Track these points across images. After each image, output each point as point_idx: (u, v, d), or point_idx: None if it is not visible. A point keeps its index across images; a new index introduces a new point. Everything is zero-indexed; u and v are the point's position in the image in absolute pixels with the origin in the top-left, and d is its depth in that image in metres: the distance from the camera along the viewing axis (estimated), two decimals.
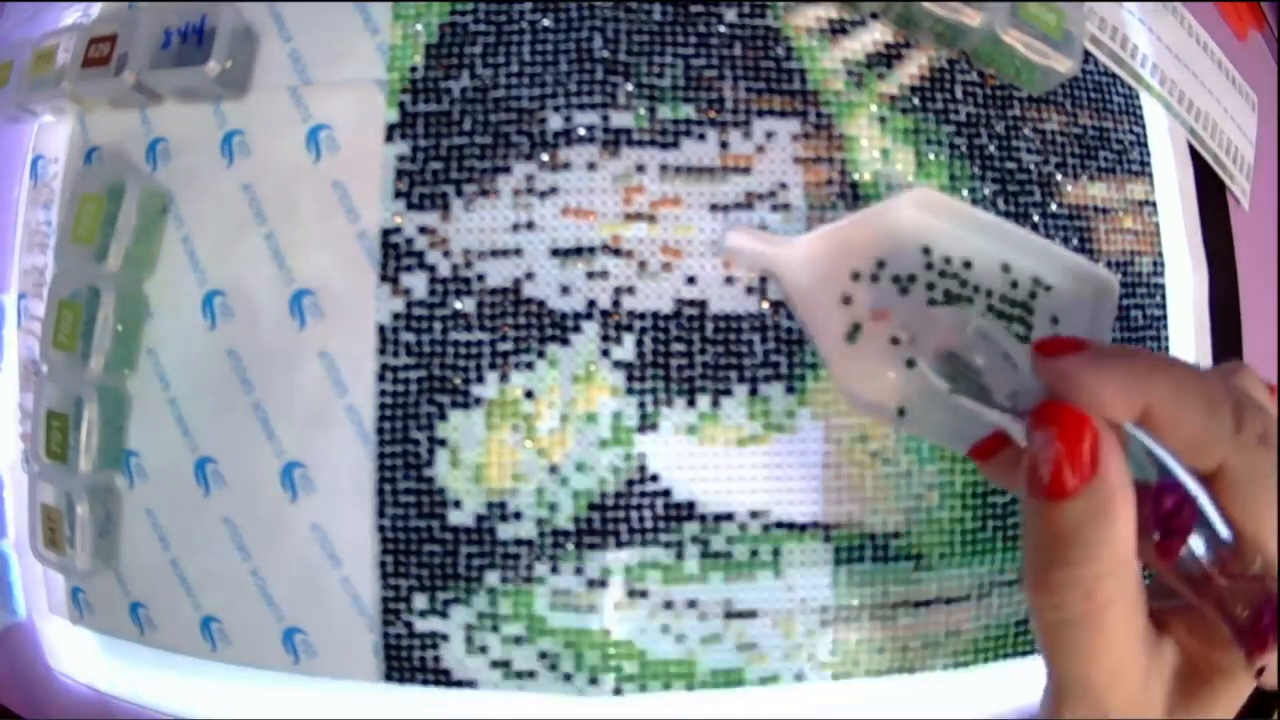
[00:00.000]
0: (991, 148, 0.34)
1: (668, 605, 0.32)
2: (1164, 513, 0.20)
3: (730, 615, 0.32)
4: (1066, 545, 0.20)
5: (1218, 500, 0.20)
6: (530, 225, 0.32)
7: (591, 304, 0.32)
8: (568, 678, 0.32)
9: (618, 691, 0.32)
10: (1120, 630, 0.20)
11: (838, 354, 0.31)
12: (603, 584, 0.31)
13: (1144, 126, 0.37)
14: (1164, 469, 0.20)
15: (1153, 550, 0.20)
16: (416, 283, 0.32)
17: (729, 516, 0.32)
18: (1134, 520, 0.20)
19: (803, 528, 0.32)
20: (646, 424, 0.31)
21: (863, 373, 0.31)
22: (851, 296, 0.31)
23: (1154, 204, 0.36)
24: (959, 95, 0.34)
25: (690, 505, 0.32)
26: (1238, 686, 0.22)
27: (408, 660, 0.32)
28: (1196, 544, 0.20)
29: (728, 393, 0.32)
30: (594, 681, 0.32)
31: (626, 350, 0.32)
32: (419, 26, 0.33)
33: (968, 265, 0.31)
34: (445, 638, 0.32)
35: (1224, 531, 0.20)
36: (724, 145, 0.32)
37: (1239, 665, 0.20)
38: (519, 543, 0.32)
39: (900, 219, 0.31)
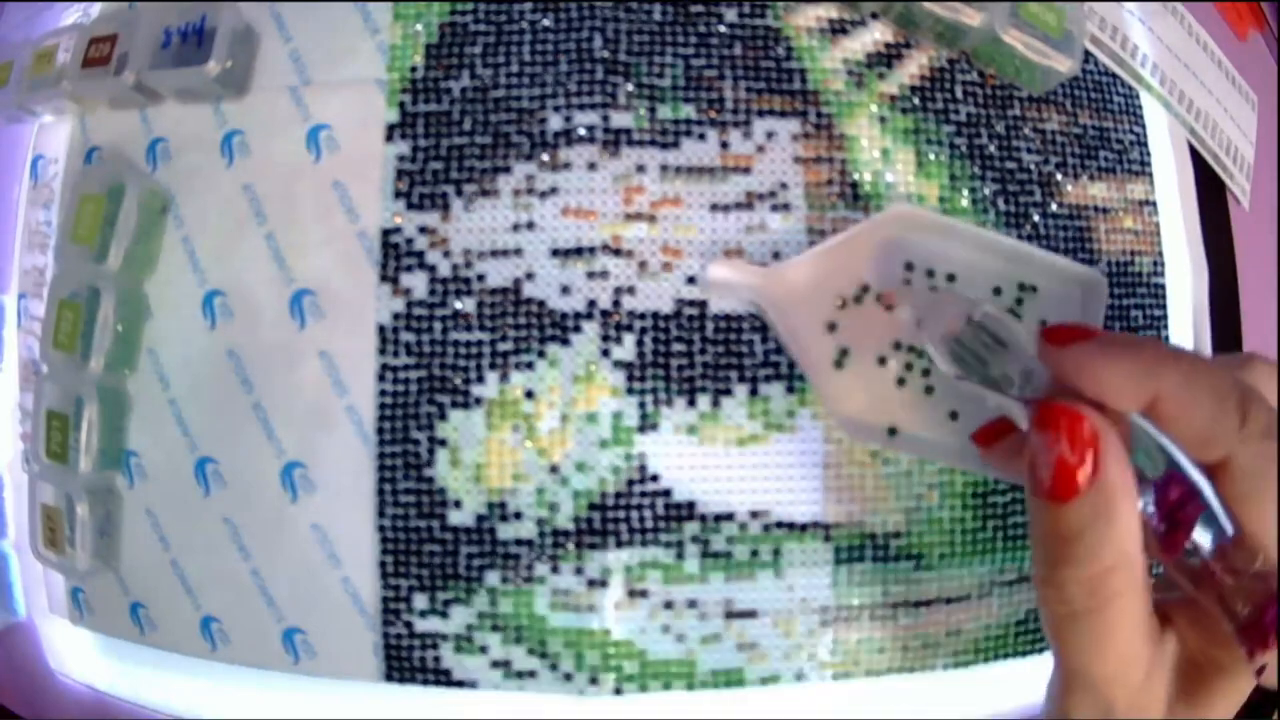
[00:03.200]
0: (991, 148, 0.34)
1: (668, 605, 0.32)
2: (1169, 505, 0.20)
3: (730, 615, 0.32)
4: (1070, 544, 0.20)
5: (1221, 494, 0.20)
6: (530, 225, 0.32)
7: (592, 304, 0.32)
8: (568, 678, 0.32)
9: (618, 691, 0.32)
10: (1125, 624, 0.20)
11: (826, 380, 0.31)
12: (603, 584, 0.31)
13: (1144, 126, 0.37)
14: (1170, 461, 0.20)
15: (1156, 543, 0.20)
16: (416, 283, 0.32)
17: (729, 516, 0.32)
18: (1137, 516, 0.20)
19: (803, 528, 0.32)
20: (647, 424, 0.31)
21: (852, 397, 0.31)
22: (836, 323, 0.31)
23: (1154, 204, 0.36)
24: (959, 95, 0.34)
25: (690, 505, 0.32)
26: (1239, 684, 0.22)
27: (408, 660, 0.32)
28: (1201, 538, 0.20)
29: (728, 392, 0.32)
30: (594, 681, 0.32)
31: (627, 350, 0.32)
32: (419, 26, 0.33)
33: (951, 278, 0.32)
34: (445, 638, 0.32)
35: (1228, 526, 0.20)
36: (724, 145, 0.32)
37: (1240, 662, 0.20)
38: (519, 543, 0.32)
39: (880, 239, 0.31)
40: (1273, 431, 0.20)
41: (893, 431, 0.31)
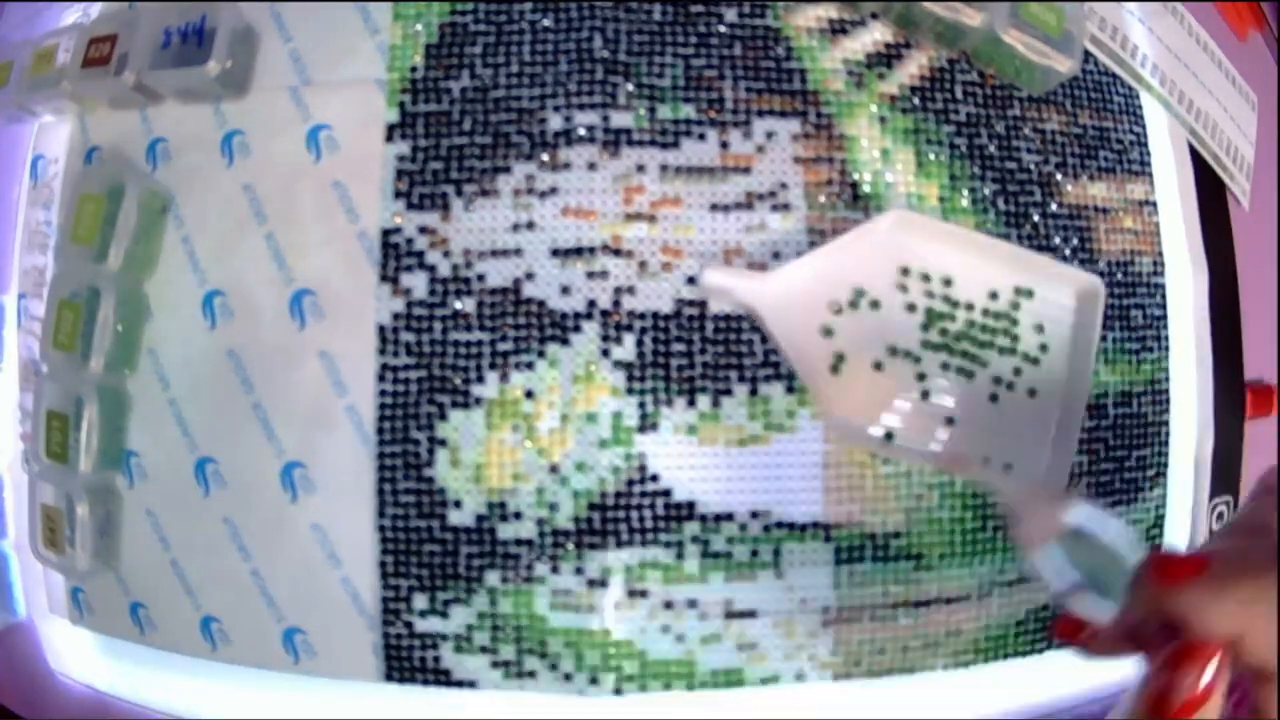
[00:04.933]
0: (991, 148, 0.34)
1: (668, 605, 0.32)
2: (1229, 710, 0.22)
3: (730, 615, 0.32)
4: None
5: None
6: (530, 225, 0.32)
7: (591, 304, 0.32)
8: (568, 678, 0.32)
9: (618, 691, 0.32)
10: None
11: (823, 386, 0.31)
12: (603, 584, 0.31)
13: (1144, 126, 0.37)
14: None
15: None
16: (416, 283, 0.32)
17: (729, 516, 0.32)
18: None
19: (803, 528, 0.32)
20: (647, 424, 0.31)
21: (849, 401, 0.31)
22: (832, 328, 0.31)
23: (1154, 204, 0.36)
24: (959, 95, 0.34)
25: (690, 505, 0.32)
26: None
27: (408, 660, 0.32)
28: None
29: (728, 392, 0.32)
30: (594, 681, 0.32)
31: (627, 350, 0.32)
32: (419, 26, 0.33)
33: (947, 282, 0.32)
34: (445, 638, 0.32)
35: None
36: (724, 145, 0.32)
37: None
38: (519, 543, 0.32)
39: (876, 244, 0.31)
40: None
41: (889, 436, 0.31)
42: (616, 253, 0.32)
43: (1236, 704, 0.22)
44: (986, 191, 0.34)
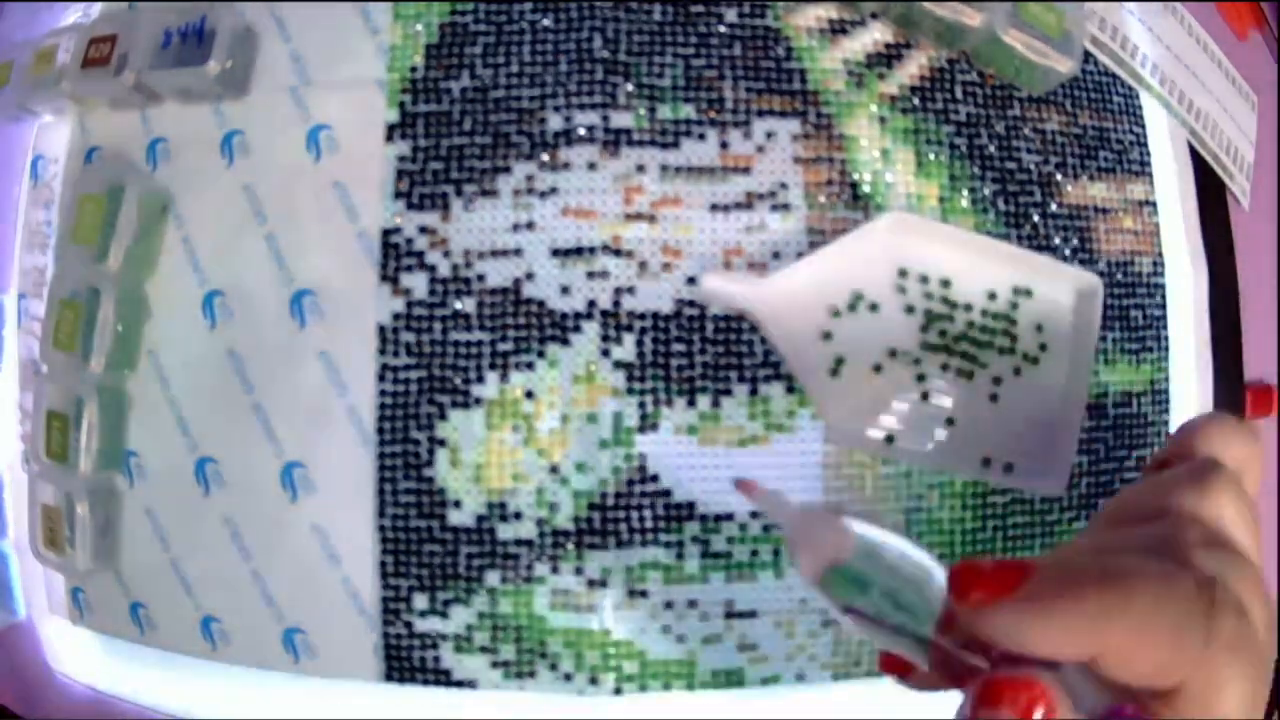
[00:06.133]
0: (991, 148, 0.34)
1: (668, 605, 0.32)
2: None
3: (731, 615, 0.32)
4: None
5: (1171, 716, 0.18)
6: (530, 225, 0.32)
7: (592, 304, 0.32)
8: (568, 678, 0.32)
9: (618, 691, 0.32)
10: None
11: (822, 389, 0.31)
12: (603, 584, 0.31)
13: (1144, 126, 0.37)
14: (1107, 707, 0.18)
15: None
16: (416, 283, 0.32)
17: (729, 516, 0.32)
18: None
19: None
20: (647, 424, 0.31)
21: (849, 405, 0.31)
22: (831, 332, 0.31)
23: (1154, 204, 0.36)
24: (959, 95, 0.34)
25: (690, 505, 0.32)
26: None
27: (408, 660, 0.32)
28: None
29: (728, 393, 0.32)
30: (594, 681, 0.32)
31: (627, 350, 0.32)
32: (419, 26, 0.33)
33: (946, 284, 0.32)
34: (445, 638, 0.32)
35: None
36: (724, 145, 0.32)
37: None
38: (519, 543, 0.32)
39: (874, 246, 0.31)
40: (1240, 637, 0.18)
41: (890, 438, 0.31)
42: (616, 253, 0.32)
43: None
44: (986, 191, 0.34)
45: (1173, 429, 0.36)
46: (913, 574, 0.19)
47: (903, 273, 0.32)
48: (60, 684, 0.38)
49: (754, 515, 0.32)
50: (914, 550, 0.20)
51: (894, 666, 0.21)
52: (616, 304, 0.32)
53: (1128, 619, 0.17)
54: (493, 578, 0.32)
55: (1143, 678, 0.18)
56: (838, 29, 0.34)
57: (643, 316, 0.32)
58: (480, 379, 0.32)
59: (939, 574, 0.19)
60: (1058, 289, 0.33)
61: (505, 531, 0.32)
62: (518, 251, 0.32)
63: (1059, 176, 0.35)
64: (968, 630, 0.18)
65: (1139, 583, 0.18)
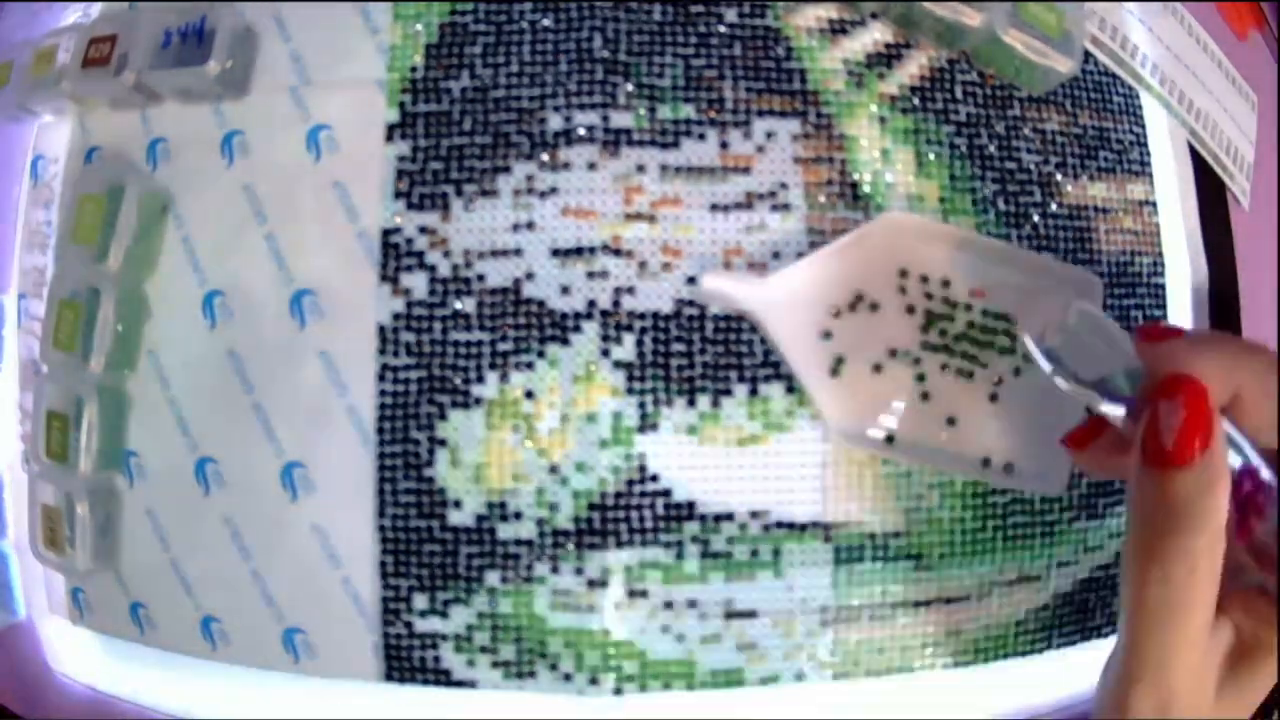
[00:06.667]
0: (991, 148, 0.34)
1: (668, 605, 0.32)
2: (1242, 495, 0.22)
3: (730, 615, 0.32)
4: (1180, 514, 0.21)
5: None
6: (530, 225, 0.32)
7: (591, 304, 0.32)
8: (568, 678, 0.32)
9: (618, 691, 0.32)
10: (1202, 609, 0.21)
11: (823, 389, 0.31)
12: (603, 584, 0.31)
13: (1144, 126, 0.37)
14: (1243, 454, 0.22)
15: (1232, 529, 0.22)
16: (416, 283, 0.32)
17: (729, 516, 0.32)
18: (1228, 493, 0.21)
19: (803, 528, 0.32)
20: (646, 424, 0.31)
21: (849, 404, 0.31)
22: (831, 332, 0.31)
23: (1154, 204, 0.36)
24: (959, 95, 0.34)
25: (690, 505, 0.32)
26: (1275, 666, 0.23)
27: (408, 660, 0.32)
28: (1270, 524, 0.22)
29: (728, 393, 0.32)
30: (594, 681, 0.32)
31: (626, 350, 0.32)
32: (419, 26, 0.33)
33: (946, 284, 0.32)
34: (445, 638, 0.32)
35: None
36: (724, 145, 0.32)
37: None
38: (519, 543, 0.32)
39: (874, 246, 0.32)
40: None
41: (890, 439, 0.31)
42: (616, 253, 0.32)
43: (1249, 495, 0.21)
44: (986, 191, 0.34)
45: None
46: (1110, 339, 0.25)
47: (903, 273, 0.32)
48: (60, 684, 0.38)
49: (754, 515, 0.32)
50: (1113, 328, 0.25)
51: (1080, 437, 0.26)
52: (616, 304, 0.32)
53: (1256, 366, 0.22)
54: (493, 578, 0.32)
55: (1264, 427, 0.22)
56: (838, 29, 0.34)
57: (643, 316, 0.32)
58: (480, 379, 0.32)
59: (1127, 341, 0.24)
60: (1059, 289, 0.33)
61: (505, 531, 0.32)
62: (518, 251, 0.32)
63: (1059, 176, 0.35)
64: (1149, 361, 0.23)
65: (1261, 348, 0.23)
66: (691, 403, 0.32)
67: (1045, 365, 0.26)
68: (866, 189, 0.33)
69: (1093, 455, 0.26)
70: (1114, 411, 0.24)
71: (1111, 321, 0.26)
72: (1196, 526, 0.21)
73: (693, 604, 0.32)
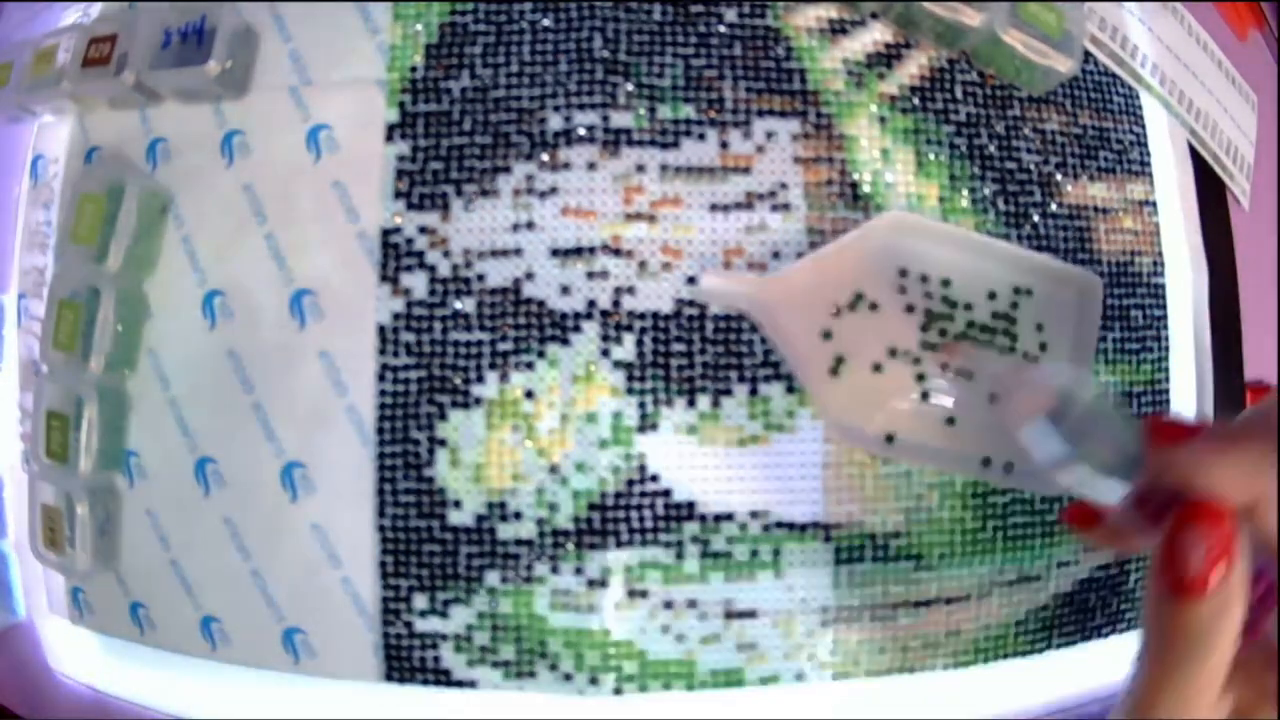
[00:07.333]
0: (991, 148, 0.34)
1: (668, 605, 0.32)
2: (1255, 597, 0.21)
3: (730, 615, 0.32)
4: (1198, 641, 0.20)
5: None
6: (530, 225, 0.32)
7: (591, 304, 0.32)
8: (568, 678, 0.32)
9: (618, 691, 0.32)
10: (1209, 709, 0.21)
11: (823, 388, 0.31)
12: (603, 584, 0.31)
13: (1144, 126, 0.37)
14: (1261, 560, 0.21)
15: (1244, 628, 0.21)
16: (416, 283, 0.32)
17: (729, 516, 0.32)
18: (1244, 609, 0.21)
19: (803, 528, 0.32)
20: (646, 424, 0.31)
21: (849, 404, 0.31)
22: (831, 331, 0.31)
23: (1154, 204, 0.36)
24: (959, 95, 0.34)
25: (690, 505, 0.32)
26: None
27: (408, 660, 0.32)
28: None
29: (728, 393, 0.32)
30: (594, 681, 0.32)
31: (626, 350, 0.32)
32: (419, 26, 0.33)
33: (946, 283, 0.32)
34: (445, 638, 0.32)
35: None
36: (724, 145, 0.32)
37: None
38: (519, 543, 0.32)
39: (874, 246, 0.31)
40: None
41: (890, 438, 0.31)
42: (616, 253, 0.32)
43: (1262, 598, 0.21)
44: (986, 191, 0.34)
45: None
46: (1109, 424, 0.23)
47: (903, 272, 0.32)
48: (60, 684, 0.38)
49: (754, 515, 0.32)
50: (1107, 404, 0.23)
51: (1081, 517, 0.25)
52: (616, 304, 0.32)
53: (1276, 469, 0.20)
54: (493, 578, 0.32)
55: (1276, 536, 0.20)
56: (838, 29, 0.34)
57: (642, 316, 0.32)
58: (480, 379, 0.32)
59: (1130, 429, 0.23)
60: (1059, 288, 0.33)
61: (505, 531, 0.32)
62: (518, 251, 0.32)
63: (1059, 176, 0.35)
64: (1157, 473, 0.21)
65: None
66: (691, 403, 0.32)
67: (1040, 452, 0.24)
68: (866, 189, 0.33)
69: (1094, 534, 0.25)
70: (1109, 499, 0.23)
71: (1109, 399, 0.24)
72: (1214, 647, 0.20)
73: (693, 604, 0.32)
